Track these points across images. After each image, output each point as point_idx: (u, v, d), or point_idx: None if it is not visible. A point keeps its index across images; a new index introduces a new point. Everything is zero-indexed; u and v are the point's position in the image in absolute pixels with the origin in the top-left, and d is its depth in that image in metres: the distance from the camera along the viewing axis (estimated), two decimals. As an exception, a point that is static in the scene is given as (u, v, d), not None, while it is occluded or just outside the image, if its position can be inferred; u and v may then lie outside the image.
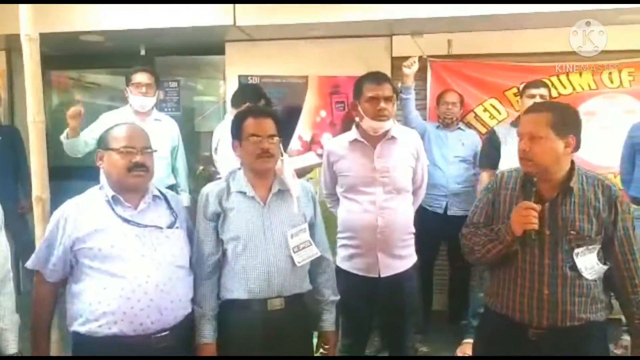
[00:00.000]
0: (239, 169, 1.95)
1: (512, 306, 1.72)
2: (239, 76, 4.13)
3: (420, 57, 3.64)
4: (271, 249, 1.82)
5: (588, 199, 1.67)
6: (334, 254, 2.35)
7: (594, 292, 1.67)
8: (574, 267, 1.65)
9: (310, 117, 4.10)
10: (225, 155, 2.83)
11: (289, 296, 1.84)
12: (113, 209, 1.73)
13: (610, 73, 3.70)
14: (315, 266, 1.98)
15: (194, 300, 1.81)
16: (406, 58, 3.75)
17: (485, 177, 3.26)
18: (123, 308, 1.63)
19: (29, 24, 1.99)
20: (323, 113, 4.09)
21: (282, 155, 1.91)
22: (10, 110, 4.59)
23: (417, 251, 3.01)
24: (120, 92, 3.43)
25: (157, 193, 1.85)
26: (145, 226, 1.74)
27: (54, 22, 3.56)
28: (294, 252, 1.84)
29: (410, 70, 3.41)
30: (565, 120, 1.68)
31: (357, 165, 2.29)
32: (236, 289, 1.81)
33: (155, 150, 1.84)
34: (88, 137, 3.05)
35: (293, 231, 1.86)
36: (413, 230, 2.38)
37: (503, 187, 1.79)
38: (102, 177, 1.85)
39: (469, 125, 3.82)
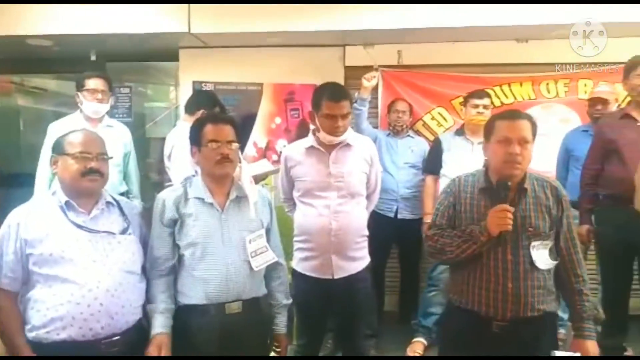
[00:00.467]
0: (194, 175, 1.98)
1: (479, 301, 1.82)
2: (193, 82, 4.13)
3: (370, 67, 3.78)
4: (229, 255, 1.86)
5: (540, 198, 1.83)
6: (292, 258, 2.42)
7: (549, 284, 1.83)
8: (532, 261, 1.79)
9: (265, 124, 4.15)
10: (178, 161, 2.84)
11: (246, 300, 1.88)
12: (66, 215, 1.73)
13: (547, 84, 3.96)
14: (270, 271, 2.04)
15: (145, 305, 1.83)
16: (358, 67, 3.90)
17: (429, 181, 3.42)
18: (72, 313, 1.64)
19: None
20: (278, 120, 4.15)
21: (240, 162, 1.96)
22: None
23: (370, 254, 3.12)
24: (67, 98, 3.35)
25: (110, 199, 1.86)
26: (98, 232, 1.74)
27: (-1, 25, 3.47)
28: (252, 257, 1.89)
29: (369, 83, 3.52)
30: (535, 126, 1.85)
31: (313, 171, 2.37)
32: (194, 294, 1.84)
33: (111, 157, 1.85)
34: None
35: (251, 237, 1.90)
36: (366, 232, 2.47)
37: (462, 191, 1.90)
38: (56, 183, 1.84)
39: (418, 132, 3.99)
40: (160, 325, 1.80)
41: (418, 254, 3.65)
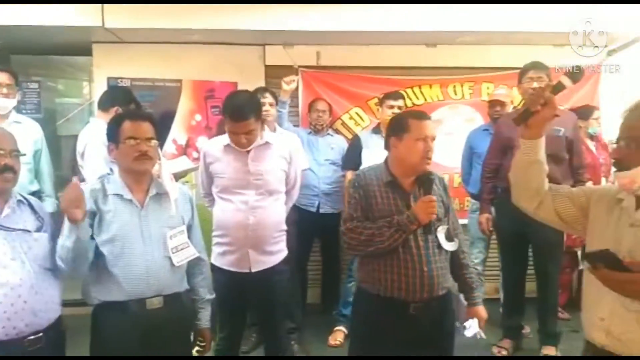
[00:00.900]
0: (109, 174, 1.97)
1: (398, 287, 1.95)
2: (108, 78, 4.01)
3: (291, 67, 3.87)
4: (149, 251, 1.87)
5: (436, 188, 2.02)
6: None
7: (448, 264, 2.04)
8: (439, 244, 1.97)
9: (185, 121, 4.11)
10: (92, 160, 2.76)
11: (167, 295, 1.90)
12: None
13: (454, 86, 4.27)
14: (192, 267, 2.06)
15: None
16: (279, 67, 3.98)
17: (349, 177, 3.58)
18: None
19: None
20: (198, 117, 4.13)
21: (159, 159, 1.97)
22: None
23: (293, 247, 3.21)
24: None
25: (20, 198, 1.81)
26: (14, 229, 1.70)
27: None
28: (173, 253, 1.91)
29: (288, 87, 3.60)
30: None
31: (232, 168, 2.42)
32: (114, 290, 1.83)
33: (24, 154, 1.79)
34: None
35: (171, 233, 1.92)
36: (284, 227, 2.56)
37: (369, 184, 2.02)
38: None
39: (337, 131, 4.14)
40: None
41: (339, 246, 3.78)
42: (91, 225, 1.82)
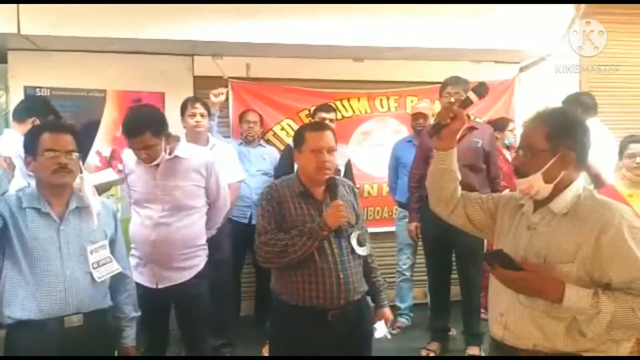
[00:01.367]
0: (26, 187, 1.88)
1: (316, 296, 1.96)
2: (25, 87, 3.81)
3: (220, 78, 3.85)
4: (68, 266, 1.79)
5: (345, 195, 2.08)
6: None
7: (361, 268, 2.08)
8: (353, 250, 2.02)
9: (110, 132, 3.97)
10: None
11: (88, 312, 1.83)
12: None
13: (381, 99, 4.42)
14: (117, 283, 2.00)
15: None
16: (208, 77, 3.95)
17: None
18: None
19: None
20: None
21: (81, 172, 1.90)
22: None
23: (226, 260, 3.17)
24: None
25: None
26: None
27: None
28: (94, 268, 1.84)
29: (217, 99, 3.57)
30: (335, 136, 2.09)
31: (142, 182, 2.40)
32: (28, 308, 1.73)
33: None
34: None
35: (92, 247, 1.85)
36: (200, 242, 2.52)
37: (282, 196, 2.04)
38: None
39: (269, 142, 4.16)
40: None
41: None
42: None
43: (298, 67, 4.21)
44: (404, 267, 4.00)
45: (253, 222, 3.65)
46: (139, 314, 2.10)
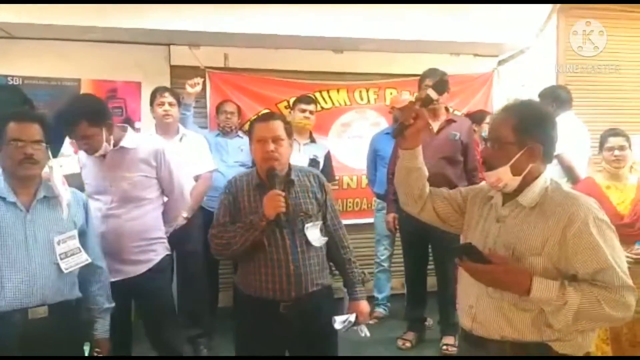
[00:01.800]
0: None
1: (266, 287, 1.97)
2: (-4, 76, 3.72)
3: (198, 68, 3.80)
4: (34, 256, 1.76)
5: (306, 186, 2.06)
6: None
7: (323, 260, 2.07)
8: (308, 241, 2.00)
9: (85, 123, 3.90)
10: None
11: (53, 304, 1.80)
12: None
13: (360, 91, 4.42)
14: (88, 274, 1.98)
15: None
16: (185, 67, 3.90)
17: None
18: None
19: None
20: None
21: (50, 161, 1.86)
22: None
23: (197, 252, 3.13)
24: None
25: None
26: None
27: None
28: (61, 259, 1.81)
29: (193, 90, 3.52)
30: (289, 127, 2.07)
31: (91, 175, 2.38)
32: None
33: None
34: None
35: (60, 238, 1.82)
36: (155, 235, 2.46)
37: (240, 189, 2.04)
38: None
39: (247, 133, 4.11)
40: None
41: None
42: None
43: (277, 58, 4.17)
44: (382, 257, 4.02)
45: (229, 213, 3.65)
46: (113, 305, 2.08)
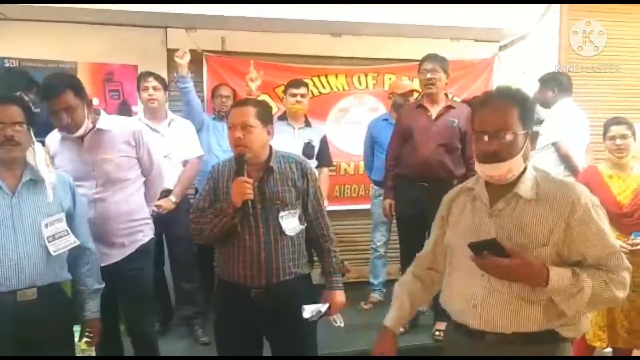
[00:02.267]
0: None
1: (237, 273, 1.98)
2: (-7, 58, 3.71)
3: (195, 51, 3.77)
4: (21, 239, 1.77)
5: (286, 173, 2.03)
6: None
7: (300, 249, 2.05)
8: (282, 230, 1.99)
9: (81, 106, 3.89)
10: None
11: (42, 286, 1.81)
12: None
13: (359, 76, 4.37)
14: (77, 256, 1.99)
15: None
16: (182, 51, 3.86)
17: None
18: None
19: None
20: (95, 101, 3.89)
21: (33, 144, 1.86)
22: None
23: (186, 235, 3.13)
24: None
25: None
26: None
27: None
28: (49, 242, 1.83)
29: (182, 60, 3.47)
30: (266, 112, 2.03)
31: (68, 160, 2.32)
32: None
33: None
34: None
35: (48, 220, 1.83)
36: (140, 216, 2.46)
37: (221, 175, 2.04)
38: None
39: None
40: None
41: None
42: None
43: (275, 42, 4.14)
44: (379, 244, 4.01)
45: (226, 196, 3.65)
46: (103, 285, 2.09)
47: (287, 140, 3.47)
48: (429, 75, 3.21)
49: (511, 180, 1.50)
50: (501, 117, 1.48)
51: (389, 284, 4.09)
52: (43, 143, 2.49)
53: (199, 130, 3.50)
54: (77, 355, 2.23)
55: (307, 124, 3.66)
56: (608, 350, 2.88)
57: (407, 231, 3.46)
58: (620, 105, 4.28)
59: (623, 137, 2.71)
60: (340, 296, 2.12)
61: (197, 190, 3.46)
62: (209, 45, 4.04)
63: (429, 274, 1.74)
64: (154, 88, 3.21)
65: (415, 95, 3.76)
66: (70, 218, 1.94)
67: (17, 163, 1.83)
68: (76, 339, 2.06)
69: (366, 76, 4.39)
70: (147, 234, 2.48)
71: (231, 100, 3.81)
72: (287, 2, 3.66)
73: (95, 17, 3.70)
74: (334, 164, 4.12)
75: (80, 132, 2.25)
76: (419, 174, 3.21)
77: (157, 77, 3.27)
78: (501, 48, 4.62)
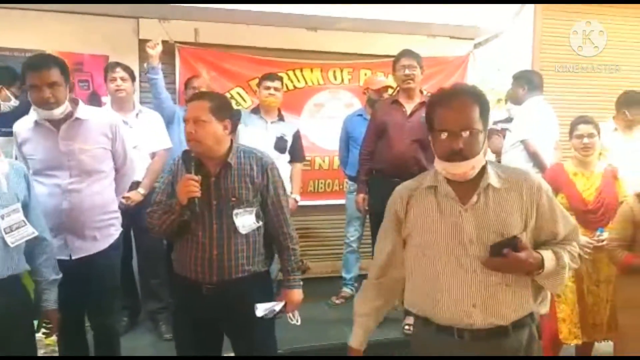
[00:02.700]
0: None
1: (189, 268, 1.96)
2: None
3: (167, 42, 3.71)
4: None
5: (245, 170, 1.99)
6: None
7: (256, 246, 2.01)
8: (236, 228, 1.94)
9: (49, 96, 3.79)
10: None
11: (2, 279, 1.77)
12: None
13: (334, 71, 4.36)
14: (34, 247, 1.95)
15: None
16: (155, 42, 3.80)
17: None
18: None
19: None
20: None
21: None
22: None
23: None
24: None
25: None
26: None
27: None
28: (6, 233, 1.78)
29: (153, 51, 3.41)
30: (222, 106, 1.98)
31: (42, 148, 2.25)
32: None
33: None
34: None
35: (4, 212, 1.79)
36: (112, 209, 2.44)
37: (180, 169, 2.00)
38: None
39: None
40: None
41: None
42: None
43: (249, 34, 4.08)
44: (352, 239, 4.01)
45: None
46: (60, 276, 2.05)
47: (259, 134, 3.45)
48: (407, 72, 3.22)
49: (472, 176, 1.51)
50: (466, 115, 1.49)
51: (362, 278, 4.08)
52: (10, 134, 2.44)
53: (170, 123, 3.45)
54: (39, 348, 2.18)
55: (281, 118, 3.64)
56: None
57: (379, 226, 3.46)
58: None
59: (590, 135, 2.76)
60: (297, 295, 2.10)
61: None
62: (182, 36, 3.97)
63: (390, 281, 1.69)
64: (122, 79, 3.16)
65: (390, 91, 3.76)
66: (25, 208, 1.89)
67: None
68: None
69: (342, 71, 4.37)
70: (118, 227, 2.45)
71: (204, 92, 3.76)
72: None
73: (64, 6, 3.61)
74: (309, 158, 4.11)
75: (59, 111, 2.19)
76: (392, 170, 3.20)
77: (125, 68, 3.22)
78: (476, 45, 4.65)
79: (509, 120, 4.18)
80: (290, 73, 4.21)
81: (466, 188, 1.53)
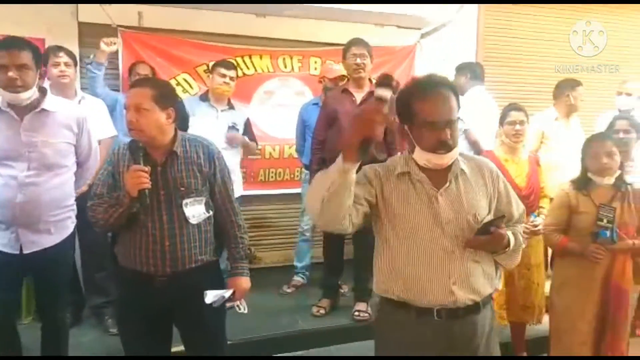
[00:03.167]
0: None
1: (140, 261, 1.90)
2: None
3: (109, 26, 3.55)
4: None
5: (192, 158, 1.95)
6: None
7: (207, 236, 1.98)
8: (186, 218, 1.90)
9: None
10: None
11: None
12: None
13: (284, 58, 4.32)
14: None
15: None
16: (95, 25, 3.64)
17: None
18: None
19: None
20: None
21: None
22: None
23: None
24: None
25: None
26: None
27: None
28: None
29: (108, 48, 3.31)
30: (165, 94, 1.91)
31: (2, 137, 2.15)
32: None
33: None
34: None
35: None
36: (69, 203, 2.35)
37: (120, 160, 1.93)
38: None
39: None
40: None
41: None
42: None
43: (196, 19, 3.97)
44: (305, 227, 4.02)
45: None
46: None
47: (209, 123, 3.38)
48: (358, 60, 3.24)
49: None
50: (449, 106, 1.54)
51: (316, 267, 4.14)
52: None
53: (113, 111, 3.32)
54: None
55: (231, 107, 3.58)
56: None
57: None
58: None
59: (521, 122, 2.88)
60: (245, 282, 2.08)
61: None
62: (125, 20, 3.80)
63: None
64: (66, 64, 3.01)
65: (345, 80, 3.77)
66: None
67: None
68: None
69: (291, 58, 4.33)
70: (74, 220, 2.36)
71: (149, 78, 3.63)
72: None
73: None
74: (259, 147, 4.07)
75: (26, 95, 2.10)
76: (343, 159, 3.23)
77: (69, 53, 3.07)
78: (423, 35, 4.73)
79: None
80: (239, 59, 4.12)
81: (438, 174, 1.59)
